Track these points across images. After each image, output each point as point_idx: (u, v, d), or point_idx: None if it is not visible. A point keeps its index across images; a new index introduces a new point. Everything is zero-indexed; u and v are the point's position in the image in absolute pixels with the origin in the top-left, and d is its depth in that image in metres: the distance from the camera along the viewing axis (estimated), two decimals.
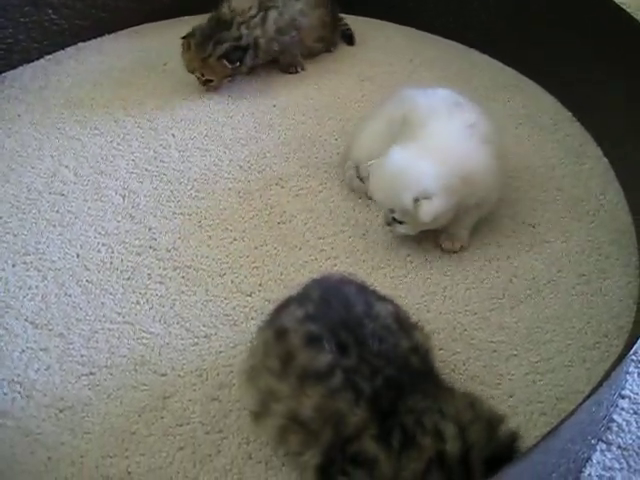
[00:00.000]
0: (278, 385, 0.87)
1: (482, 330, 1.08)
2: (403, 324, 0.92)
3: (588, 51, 1.47)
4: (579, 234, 1.25)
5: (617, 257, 1.20)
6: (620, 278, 1.16)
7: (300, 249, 1.23)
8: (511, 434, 0.78)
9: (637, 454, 0.92)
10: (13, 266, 1.22)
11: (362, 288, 0.97)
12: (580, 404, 0.74)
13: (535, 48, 1.63)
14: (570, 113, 1.54)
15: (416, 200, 1.11)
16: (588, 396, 0.75)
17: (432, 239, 1.23)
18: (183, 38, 1.60)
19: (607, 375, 0.79)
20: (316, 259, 1.21)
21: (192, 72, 1.61)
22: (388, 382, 0.83)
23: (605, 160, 1.41)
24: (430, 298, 1.14)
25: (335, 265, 1.19)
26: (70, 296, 1.16)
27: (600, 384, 0.77)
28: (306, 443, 0.84)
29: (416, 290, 1.15)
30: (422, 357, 0.89)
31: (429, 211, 1.11)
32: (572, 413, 0.72)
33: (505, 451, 0.76)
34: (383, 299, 0.96)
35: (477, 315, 1.11)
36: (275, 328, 0.91)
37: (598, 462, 0.91)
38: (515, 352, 1.05)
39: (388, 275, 1.18)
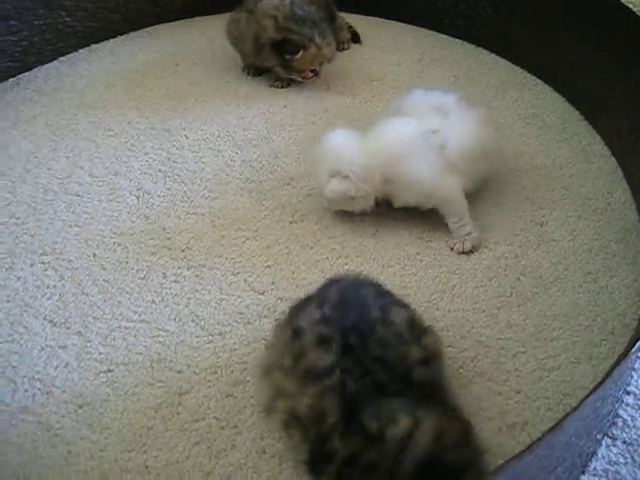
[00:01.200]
0: (285, 382, 0.90)
1: (490, 327, 1.10)
2: (416, 330, 0.93)
3: (597, 51, 1.49)
4: (586, 233, 1.26)
5: (624, 255, 1.22)
6: (627, 276, 1.18)
7: (312, 248, 1.25)
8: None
9: None
10: (31, 266, 1.25)
11: (381, 291, 0.98)
12: (584, 399, 0.76)
13: (544, 48, 1.64)
14: (578, 112, 1.56)
15: (331, 176, 1.20)
16: (592, 392, 0.77)
17: (441, 238, 1.25)
18: (295, 51, 1.58)
19: (610, 371, 0.80)
20: (327, 258, 1.23)
21: (318, 66, 1.62)
22: (374, 386, 0.84)
23: (613, 159, 1.43)
24: (439, 296, 1.16)
25: (346, 264, 1.22)
26: (87, 295, 1.19)
27: (603, 380, 0.79)
28: (304, 439, 0.87)
29: (425, 288, 1.17)
30: (431, 367, 0.90)
31: (332, 188, 1.21)
32: (576, 408, 0.74)
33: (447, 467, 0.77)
34: (399, 303, 0.97)
35: (485, 313, 1.13)
36: (293, 328, 0.93)
37: (603, 457, 0.93)
38: (522, 349, 1.07)
39: (398, 273, 1.20)
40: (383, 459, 0.77)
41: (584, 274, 1.19)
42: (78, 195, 1.40)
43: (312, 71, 1.62)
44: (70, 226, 1.33)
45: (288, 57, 1.59)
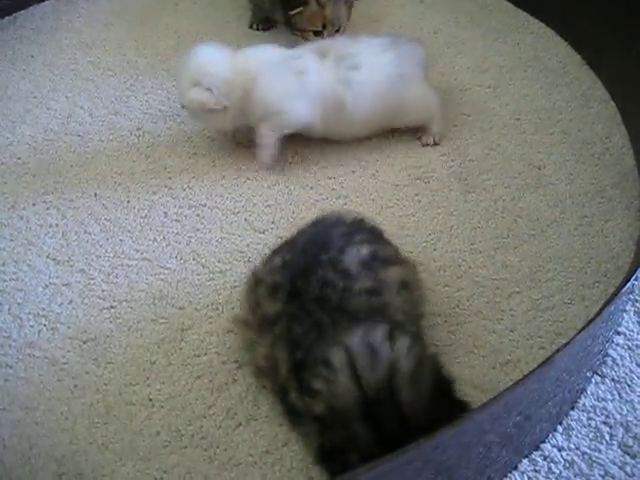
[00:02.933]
0: (248, 334, 0.94)
1: (486, 268, 1.12)
2: (376, 264, 0.93)
3: None
4: (583, 176, 1.27)
5: (619, 200, 1.22)
6: (621, 220, 1.19)
7: (311, 188, 1.26)
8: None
9: (629, 386, 0.96)
10: (33, 205, 1.26)
11: (351, 230, 0.98)
12: (575, 336, 0.79)
13: None
14: (580, 56, 1.54)
15: (193, 85, 1.22)
16: (583, 329, 0.80)
17: (440, 180, 1.27)
18: (295, 5, 1.51)
19: (601, 310, 0.83)
20: (327, 198, 1.25)
21: (321, 27, 1.53)
22: (314, 327, 0.86)
23: (612, 104, 1.42)
24: (437, 237, 1.17)
25: (345, 204, 1.23)
26: (90, 234, 1.20)
27: (594, 318, 0.81)
28: (273, 389, 0.91)
29: (423, 229, 1.19)
30: (384, 296, 0.90)
31: (192, 97, 1.23)
32: (567, 344, 0.76)
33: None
34: (365, 241, 0.97)
35: (482, 254, 1.14)
36: (255, 278, 0.96)
37: (592, 393, 0.96)
38: (517, 289, 1.09)
39: (396, 214, 1.21)
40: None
41: (580, 217, 1.20)
42: (79, 135, 1.40)
43: (315, 34, 1.53)
44: (71, 166, 1.33)
45: (289, 13, 1.53)
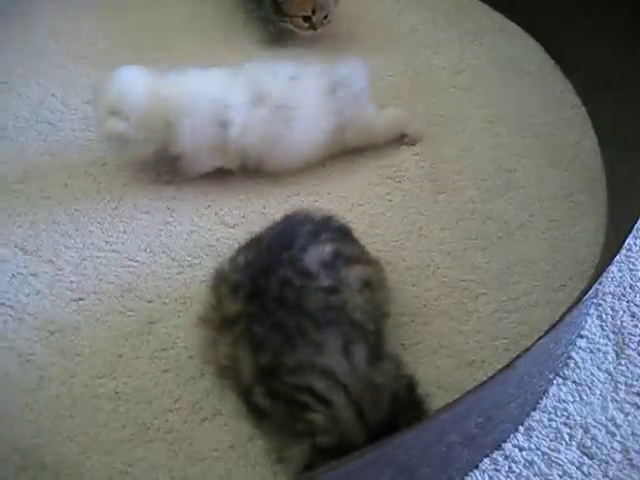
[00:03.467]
0: (209, 332, 0.94)
1: (454, 269, 1.13)
2: (338, 263, 0.94)
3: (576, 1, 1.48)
4: (553, 181, 1.28)
5: (587, 205, 1.24)
6: (589, 225, 1.20)
7: (283, 184, 1.26)
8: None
9: (589, 388, 0.98)
10: (2, 193, 1.24)
11: (318, 229, 0.98)
12: (537, 341, 0.80)
13: None
14: (554, 61, 1.55)
15: (111, 113, 1.16)
16: (545, 334, 0.81)
17: (411, 179, 1.27)
18: None
19: (564, 315, 0.84)
20: (298, 194, 1.25)
21: (311, 14, 1.51)
22: (274, 325, 0.86)
23: (583, 110, 1.43)
24: (406, 236, 1.18)
25: (316, 201, 1.23)
26: (59, 224, 1.20)
27: (557, 323, 0.83)
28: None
29: (393, 228, 1.19)
30: (343, 295, 0.91)
31: (109, 127, 1.16)
32: (528, 349, 0.78)
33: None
34: (330, 239, 0.97)
35: (450, 254, 1.15)
36: (218, 276, 0.97)
37: (554, 395, 0.98)
38: (484, 291, 1.10)
39: (367, 213, 1.22)
40: None
41: (548, 221, 1.21)
42: (50, 123, 1.38)
43: (305, 20, 1.52)
44: (41, 154, 1.32)
45: None
